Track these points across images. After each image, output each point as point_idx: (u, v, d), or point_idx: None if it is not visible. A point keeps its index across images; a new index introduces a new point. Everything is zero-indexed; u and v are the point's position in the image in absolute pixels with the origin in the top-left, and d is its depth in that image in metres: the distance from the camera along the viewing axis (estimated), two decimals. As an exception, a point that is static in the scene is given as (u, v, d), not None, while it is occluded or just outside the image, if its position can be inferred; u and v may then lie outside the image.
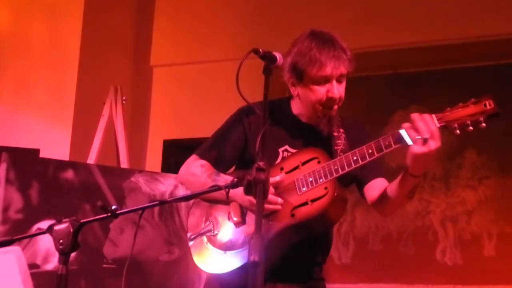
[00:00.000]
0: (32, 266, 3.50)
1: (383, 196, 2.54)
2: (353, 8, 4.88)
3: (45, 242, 3.57)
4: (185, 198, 2.58)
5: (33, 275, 2.27)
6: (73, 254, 2.10)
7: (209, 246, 2.54)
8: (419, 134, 2.32)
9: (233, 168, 2.73)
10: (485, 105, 2.34)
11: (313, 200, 2.44)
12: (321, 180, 2.44)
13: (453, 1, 4.74)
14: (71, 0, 5.05)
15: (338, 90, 2.55)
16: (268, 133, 2.59)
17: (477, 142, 4.59)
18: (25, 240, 3.47)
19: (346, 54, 2.56)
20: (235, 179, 2.29)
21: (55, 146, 4.64)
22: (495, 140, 4.54)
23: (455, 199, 4.58)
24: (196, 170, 2.62)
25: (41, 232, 2.17)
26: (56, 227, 2.09)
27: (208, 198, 2.59)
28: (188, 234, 2.60)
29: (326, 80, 2.53)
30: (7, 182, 3.64)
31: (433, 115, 2.34)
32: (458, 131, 2.35)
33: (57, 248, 2.07)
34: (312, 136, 2.63)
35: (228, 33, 5.21)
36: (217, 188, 2.35)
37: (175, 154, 5.09)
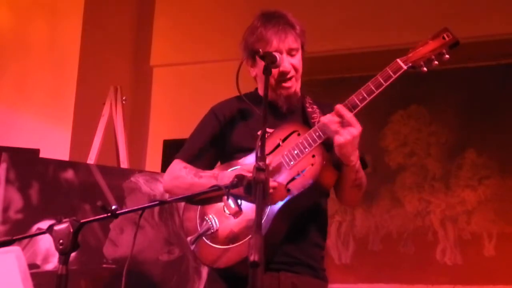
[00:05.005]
0: (32, 266, 3.49)
1: (337, 187, 2.56)
2: (353, 8, 4.87)
3: (45, 242, 3.57)
4: (185, 198, 2.57)
5: (33, 275, 2.27)
6: (73, 254, 2.11)
7: (213, 244, 2.51)
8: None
9: (218, 163, 2.74)
10: (443, 37, 2.43)
11: (304, 170, 2.42)
12: (306, 150, 2.44)
13: (453, 1, 4.74)
14: (71, 0, 5.05)
15: (289, 63, 2.58)
16: (245, 125, 2.61)
17: (477, 142, 4.59)
18: (25, 240, 3.46)
19: (295, 28, 2.61)
20: (235, 179, 2.29)
21: (55, 146, 4.64)
22: (495, 140, 4.54)
23: (455, 199, 4.58)
24: (180, 172, 2.66)
25: (41, 232, 2.17)
26: (56, 227, 2.09)
27: (197, 198, 2.57)
28: (188, 238, 2.56)
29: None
30: (7, 182, 3.63)
31: (398, 59, 2.41)
32: (425, 68, 2.43)
33: (57, 248, 2.07)
34: (286, 112, 2.65)
35: (228, 33, 5.20)
36: (217, 188, 2.35)
37: (175, 154, 5.08)
